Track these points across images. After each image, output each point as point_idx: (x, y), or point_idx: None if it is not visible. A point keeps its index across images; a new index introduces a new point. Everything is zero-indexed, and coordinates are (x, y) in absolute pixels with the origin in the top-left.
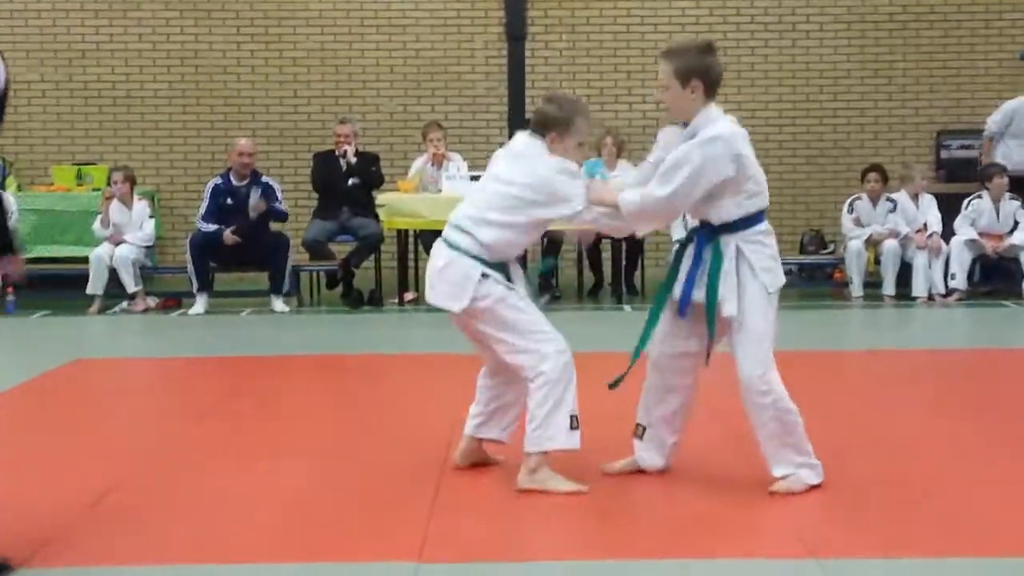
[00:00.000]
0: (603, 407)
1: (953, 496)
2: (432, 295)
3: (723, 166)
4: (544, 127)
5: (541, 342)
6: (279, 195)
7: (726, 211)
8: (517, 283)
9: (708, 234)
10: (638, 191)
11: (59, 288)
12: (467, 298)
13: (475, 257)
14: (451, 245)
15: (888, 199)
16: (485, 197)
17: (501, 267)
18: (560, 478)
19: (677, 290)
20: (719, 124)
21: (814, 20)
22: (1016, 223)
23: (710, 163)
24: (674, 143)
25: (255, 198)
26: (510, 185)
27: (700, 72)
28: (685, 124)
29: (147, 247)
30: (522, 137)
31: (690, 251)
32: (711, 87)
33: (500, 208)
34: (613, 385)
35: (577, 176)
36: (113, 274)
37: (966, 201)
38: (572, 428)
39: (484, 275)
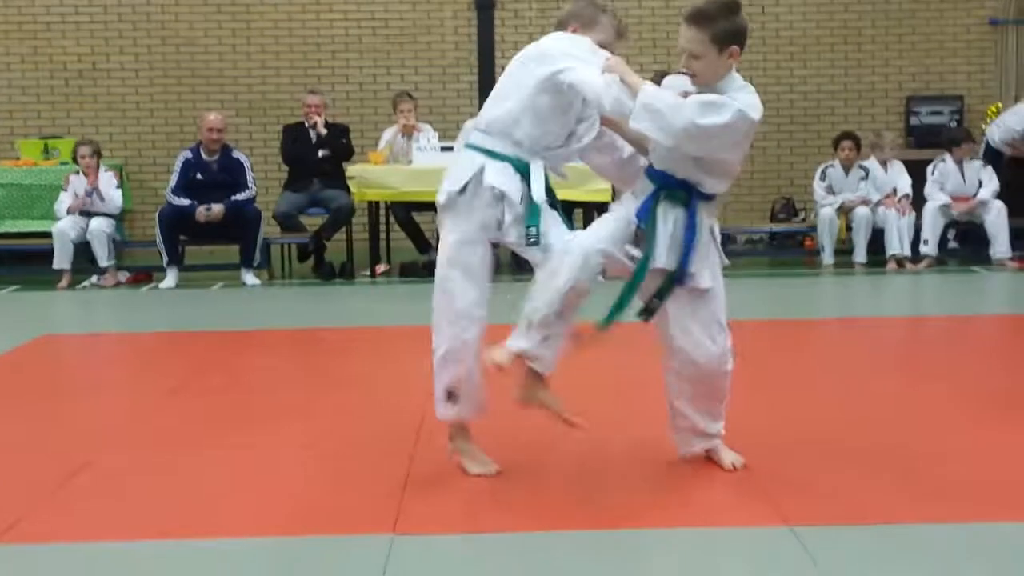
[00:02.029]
0: (602, 379)
1: (927, 462)
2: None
3: (742, 142)
4: (565, 22)
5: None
6: (249, 171)
7: (715, 184)
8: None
9: (693, 201)
10: (669, 92)
11: (27, 263)
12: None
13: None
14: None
15: (860, 167)
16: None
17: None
18: (469, 456)
19: (665, 256)
20: (753, 97)
21: None
22: (980, 183)
23: (735, 131)
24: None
25: (211, 213)
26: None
27: (738, 35)
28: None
29: (114, 217)
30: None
31: (677, 216)
32: (742, 50)
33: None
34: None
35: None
36: (81, 248)
37: (931, 166)
38: (447, 400)
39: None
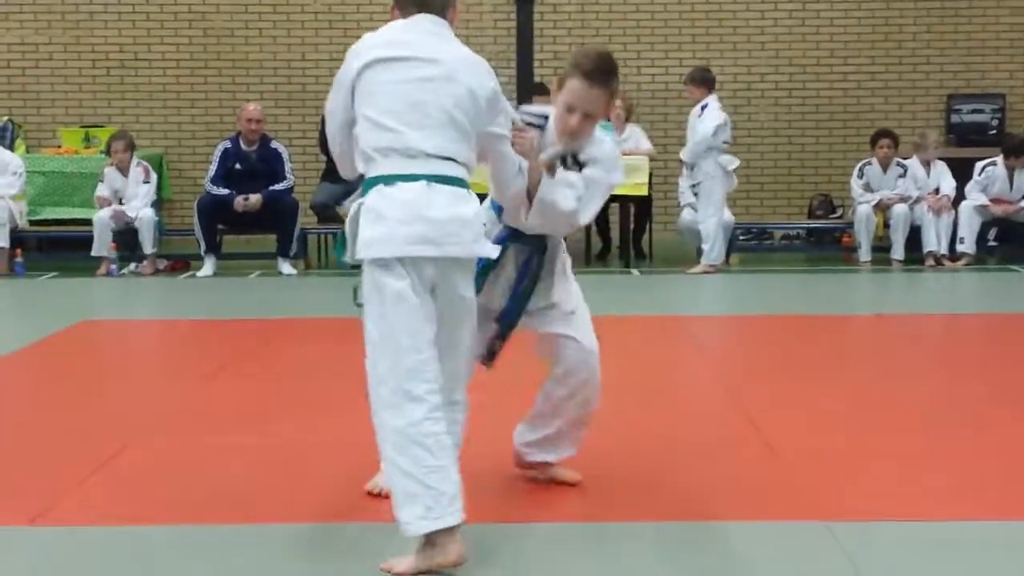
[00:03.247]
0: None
1: (964, 460)
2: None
3: None
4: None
5: None
6: (287, 162)
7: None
8: None
9: (539, 246)
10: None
11: (67, 250)
12: None
13: None
14: None
15: (898, 164)
16: None
17: None
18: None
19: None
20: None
21: None
22: None
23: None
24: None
25: (249, 203)
26: None
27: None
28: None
29: (153, 206)
30: None
31: (519, 260)
32: None
33: None
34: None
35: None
36: (120, 236)
37: (980, 166)
38: None
39: None
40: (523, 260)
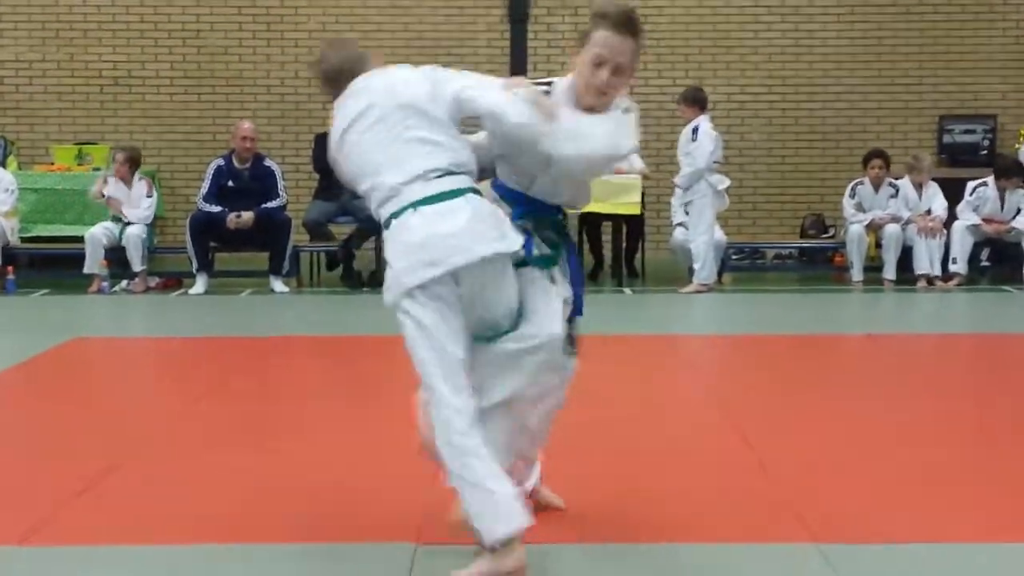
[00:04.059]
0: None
1: (955, 482)
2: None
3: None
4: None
5: None
6: (280, 180)
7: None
8: None
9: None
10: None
11: (59, 267)
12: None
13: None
14: None
15: (890, 184)
16: None
17: None
18: None
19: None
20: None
21: (817, 3)
22: (1020, 210)
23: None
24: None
25: (241, 220)
26: None
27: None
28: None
29: (146, 225)
30: None
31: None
32: None
33: None
34: None
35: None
36: (111, 253)
37: (971, 186)
38: None
39: None
40: (551, 241)
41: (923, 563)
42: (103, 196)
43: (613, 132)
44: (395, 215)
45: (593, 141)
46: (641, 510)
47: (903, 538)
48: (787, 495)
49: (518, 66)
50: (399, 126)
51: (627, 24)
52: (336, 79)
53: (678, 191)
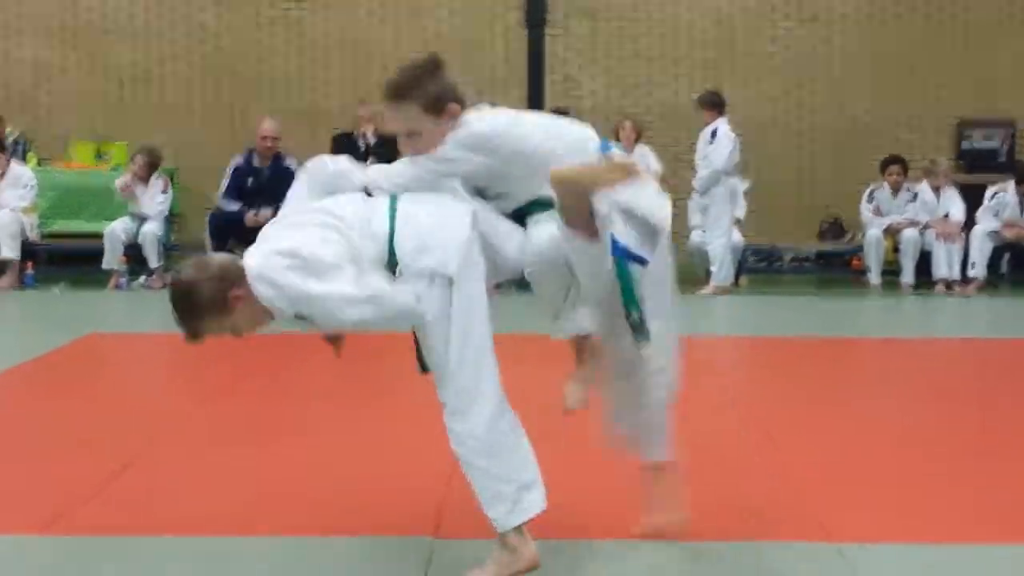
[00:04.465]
0: None
1: (975, 484)
2: None
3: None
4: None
5: None
6: None
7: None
8: None
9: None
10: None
11: (77, 263)
12: None
13: None
14: None
15: (908, 189)
16: None
17: None
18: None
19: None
20: (482, 122)
21: (836, 9)
22: None
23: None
24: None
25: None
26: None
27: (450, 90)
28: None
29: (163, 222)
30: None
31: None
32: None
33: None
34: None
35: None
36: (130, 250)
37: (991, 192)
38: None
39: None
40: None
41: (941, 563)
42: (128, 187)
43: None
44: None
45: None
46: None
47: (922, 538)
48: (806, 495)
49: (534, 69)
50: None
51: (393, 93)
52: None
53: (695, 194)
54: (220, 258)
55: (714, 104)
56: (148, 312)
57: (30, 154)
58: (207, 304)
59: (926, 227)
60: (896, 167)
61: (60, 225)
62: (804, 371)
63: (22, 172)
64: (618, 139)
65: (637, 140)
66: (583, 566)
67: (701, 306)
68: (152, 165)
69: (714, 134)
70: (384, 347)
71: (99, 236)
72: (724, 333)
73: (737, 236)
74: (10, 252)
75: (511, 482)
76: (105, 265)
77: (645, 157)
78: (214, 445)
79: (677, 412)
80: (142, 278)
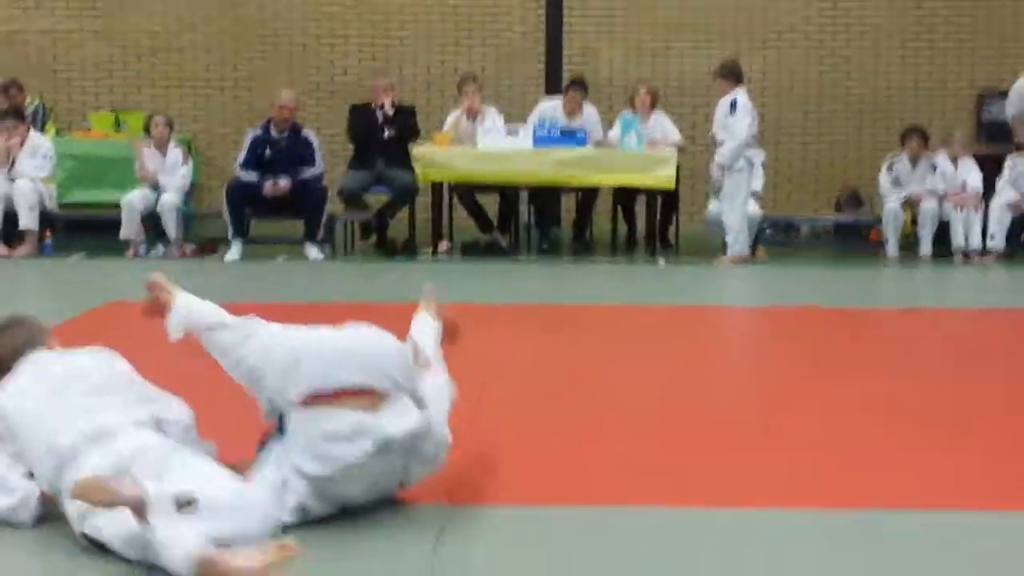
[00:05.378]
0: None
1: (991, 452)
2: None
3: None
4: None
5: None
6: (317, 149)
7: None
8: None
9: None
10: None
11: (95, 233)
12: None
13: None
14: None
15: (928, 160)
16: None
17: None
18: None
19: None
20: None
21: None
22: None
23: None
24: None
25: (278, 187)
26: None
27: None
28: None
29: (182, 191)
30: None
31: None
32: None
33: None
34: None
35: None
36: (149, 219)
37: (1009, 161)
38: None
39: None
40: None
41: (959, 530)
42: (145, 169)
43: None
44: None
45: None
46: (674, 477)
47: (939, 505)
48: (820, 464)
49: (553, 38)
50: None
51: None
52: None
53: (716, 167)
54: None
55: (732, 74)
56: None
57: (49, 124)
58: None
59: (944, 197)
60: (916, 137)
61: (79, 195)
62: (822, 341)
63: (41, 142)
64: (633, 107)
65: (653, 107)
66: (586, 532)
67: (717, 277)
68: (170, 127)
69: (733, 105)
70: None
71: (117, 206)
72: (740, 303)
73: (754, 207)
74: (29, 221)
75: None
76: (123, 235)
77: (662, 125)
78: (231, 415)
79: (695, 381)
80: (160, 247)
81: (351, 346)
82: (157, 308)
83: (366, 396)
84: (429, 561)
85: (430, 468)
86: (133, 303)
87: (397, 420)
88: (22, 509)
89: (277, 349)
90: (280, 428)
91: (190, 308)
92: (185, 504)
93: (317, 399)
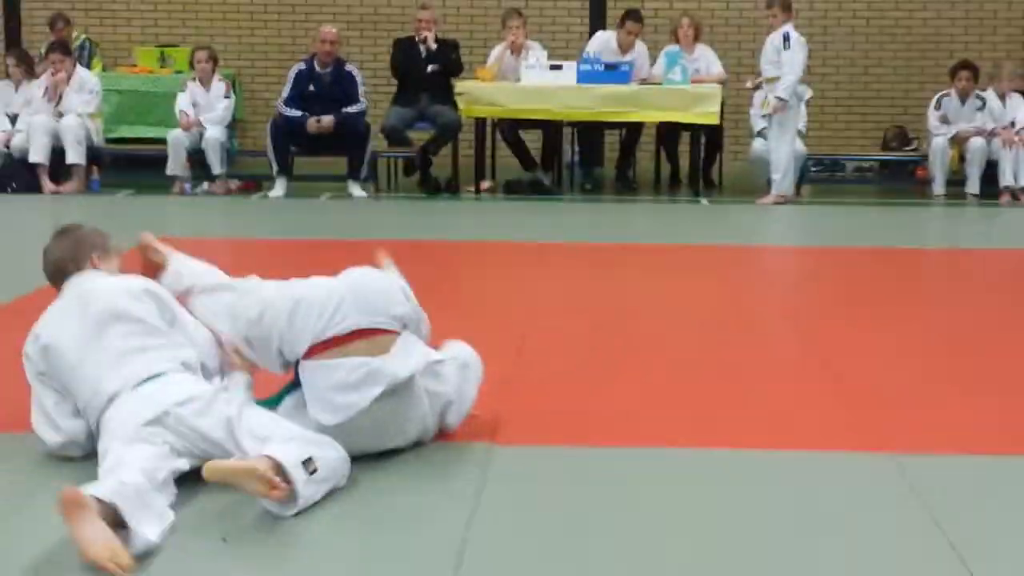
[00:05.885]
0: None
1: None
2: None
3: None
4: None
5: None
6: (360, 85)
7: None
8: None
9: None
10: None
11: (142, 168)
12: None
13: None
14: None
15: (977, 96)
16: None
17: None
18: None
19: None
20: None
21: None
22: None
23: None
24: None
25: (322, 124)
26: None
27: None
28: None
29: (226, 127)
30: None
31: None
32: None
33: None
34: None
35: None
36: (194, 155)
37: None
38: None
39: None
40: None
41: (998, 473)
42: (188, 117)
43: None
44: None
45: None
46: (716, 417)
47: (982, 450)
48: (864, 406)
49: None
50: None
51: None
52: None
53: (756, 100)
54: None
55: (786, 6)
56: (212, 217)
57: (95, 59)
58: None
59: (992, 134)
60: (966, 72)
61: (125, 130)
62: (866, 281)
63: (87, 77)
64: (677, 40)
65: (696, 39)
66: (630, 471)
67: (761, 215)
68: (215, 61)
69: (786, 39)
70: (452, 253)
71: (163, 142)
72: (785, 243)
73: (799, 145)
74: (76, 157)
75: None
76: (169, 171)
77: (707, 59)
78: None
79: (737, 322)
80: (205, 184)
81: (351, 289)
82: (149, 269)
83: (373, 337)
84: (474, 501)
85: (460, 406)
86: (179, 240)
87: (403, 361)
88: (71, 446)
89: (279, 300)
90: (296, 381)
91: (186, 270)
92: (313, 470)
93: (326, 346)
